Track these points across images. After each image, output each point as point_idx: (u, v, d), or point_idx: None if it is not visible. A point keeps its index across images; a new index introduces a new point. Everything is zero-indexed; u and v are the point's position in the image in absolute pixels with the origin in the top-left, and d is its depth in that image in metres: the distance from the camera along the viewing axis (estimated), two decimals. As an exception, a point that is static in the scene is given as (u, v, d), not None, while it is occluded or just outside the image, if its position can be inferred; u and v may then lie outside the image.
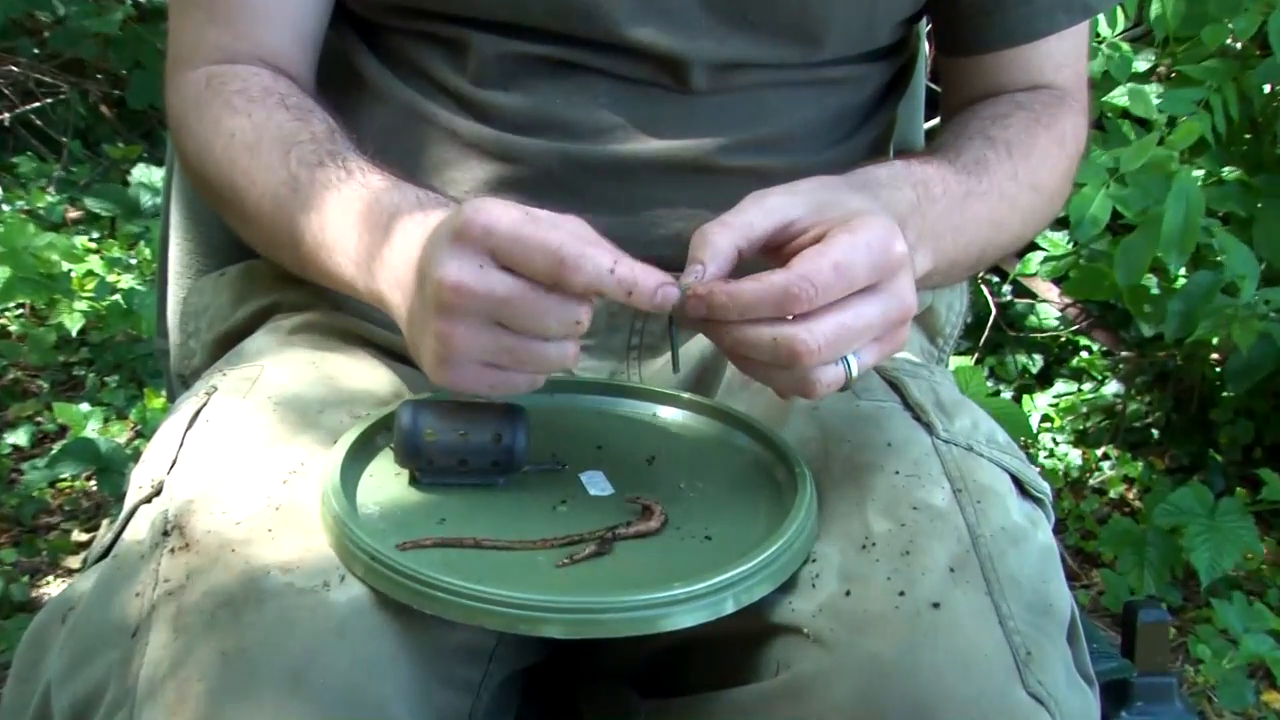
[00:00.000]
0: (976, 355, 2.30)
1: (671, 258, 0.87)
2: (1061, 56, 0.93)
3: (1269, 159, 1.76)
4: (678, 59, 0.85)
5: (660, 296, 0.65)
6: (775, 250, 0.70)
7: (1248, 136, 1.79)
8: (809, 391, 0.68)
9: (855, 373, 0.69)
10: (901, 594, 0.67)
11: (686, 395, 0.83)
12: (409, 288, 0.69)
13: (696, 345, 0.89)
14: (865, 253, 0.67)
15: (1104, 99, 1.74)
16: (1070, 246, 2.03)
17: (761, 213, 0.70)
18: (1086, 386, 2.34)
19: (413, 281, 0.68)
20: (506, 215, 0.64)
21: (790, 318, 0.66)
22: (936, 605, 0.66)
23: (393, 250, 0.71)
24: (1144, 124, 1.71)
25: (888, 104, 0.97)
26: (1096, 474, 2.19)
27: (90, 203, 2.38)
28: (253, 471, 0.72)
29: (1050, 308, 2.38)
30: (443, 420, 0.71)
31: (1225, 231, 1.66)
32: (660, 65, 0.85)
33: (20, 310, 2.13)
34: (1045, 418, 2.29)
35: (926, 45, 1.11)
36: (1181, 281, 1.75)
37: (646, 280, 0.64)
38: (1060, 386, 2.35)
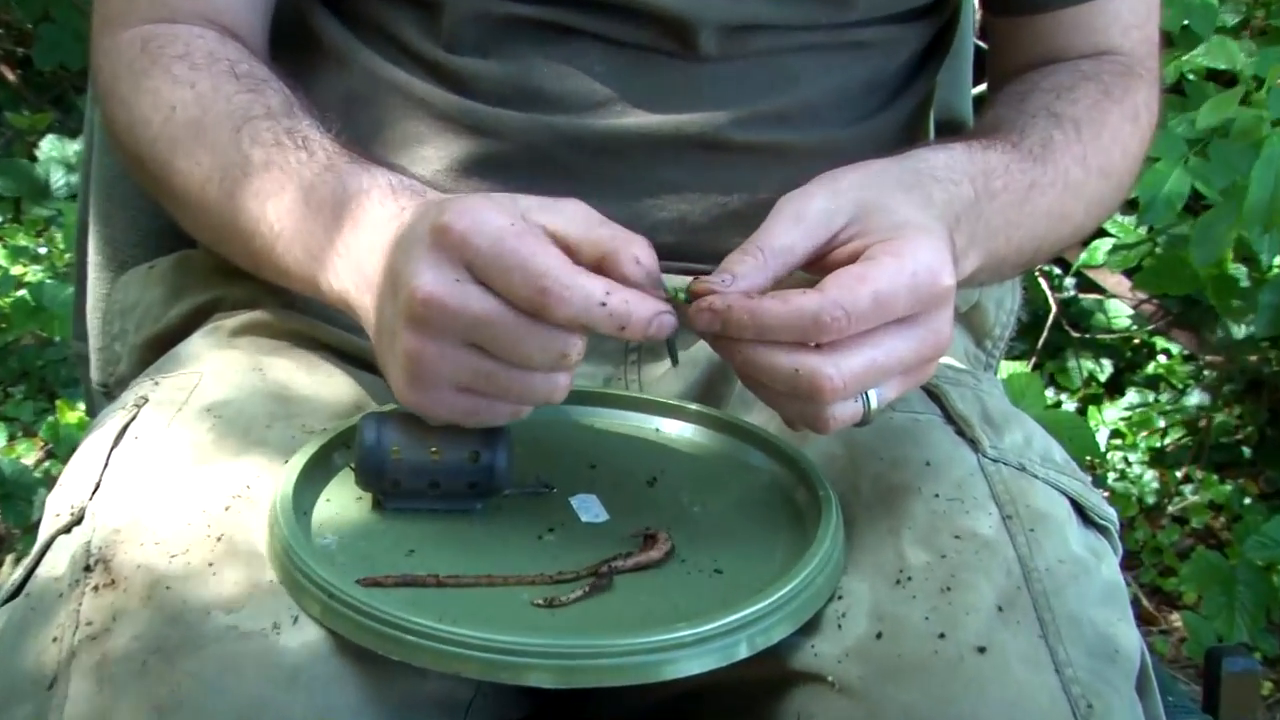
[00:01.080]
0: (1033, 360, 2.34)
1: (674, 244, 0.89)
2: (1130, 16, 0.94)
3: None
4: (684, 20, 0.86)
5: (655, 328, 0.66)
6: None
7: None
8: (821, 426, 0.70)
9: (875, 407, 0.71)
10: (941, 636, 0.68)
11: (693, 406, 0.85)
12: (379, 289, 0.70)
13: (704, 349, 0.90)
14: (909, 282, 0.68)
15: (1184, 58, 1.76)
16: (1144, 232, 2.05)
17: (802, 233, 0.71)
18: (1164, 396, 2.39)
19: (383, 283, 0.69)
20: (490, 224, 0.66)
21: (814, 344, 0.68)
22: (982, 650, 0.68)
23: (361, 245, 0.72)
24: (1232, 84, 1.72)
25: (927, 70, 0.99)
26: (1176, 499, 2.24)
27: (-10, 180, 2.48)
28: (190, 496, 0.74)
29: (1121, 304, 2.42)
30: (411, 436, 0.72)
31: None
32: (663, 28, 0.87)
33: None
34: (1115, 433, 2.34)
35: (976, 1, 1.13)
36: (1276, 270, 1.77)
37: (640, 311, 0.66)
38: (1133, 396, 2.40)
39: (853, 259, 0.70)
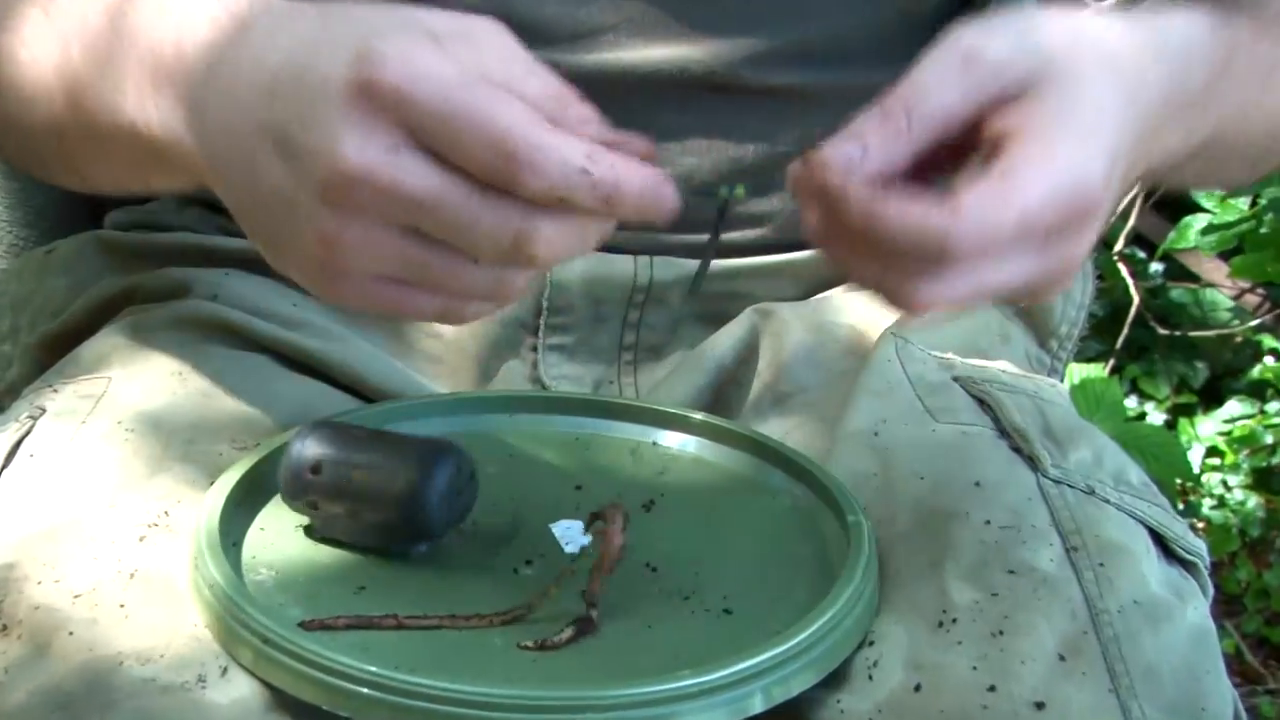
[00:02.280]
0: (1112, 363, 2.38)
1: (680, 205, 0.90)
2: None
3: None
4: None
5: (652, 200, 0.65)
6: None
7: None
8: (910, 303, 0.70)
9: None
10: (992, 689, 0.71)
11: (699, 416, 0.87)
12: (261, 144, 0.68)
13: (714, 342, 0.94)
14: (1064, 199, 0.68)
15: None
16: (1246, 207, 2.10)
17: (967, 91, 0.69)
18: (1272, 407, 2.43)
19: (258, 136, 0.67)
20: (431, 74, 0.64)
21: None
22: (1040, 705, 0.70)
23: (234, 68, 0.69)
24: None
25: (976, 5, 1.01)
26: None
27: None
28: (98, 524, 0.76)
29: (1219, 295, 2.47)
30: (338, 450, 0.75)
31: None
32: None
33: None
34: (1212, 450, 2.39)
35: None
36: None
37: (631, 179, 0.65)
38: (1234, 406, 2.45)
39: (996, 143, 0.69)
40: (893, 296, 0.69)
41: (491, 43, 0.67)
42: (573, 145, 0.64)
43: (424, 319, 0.71)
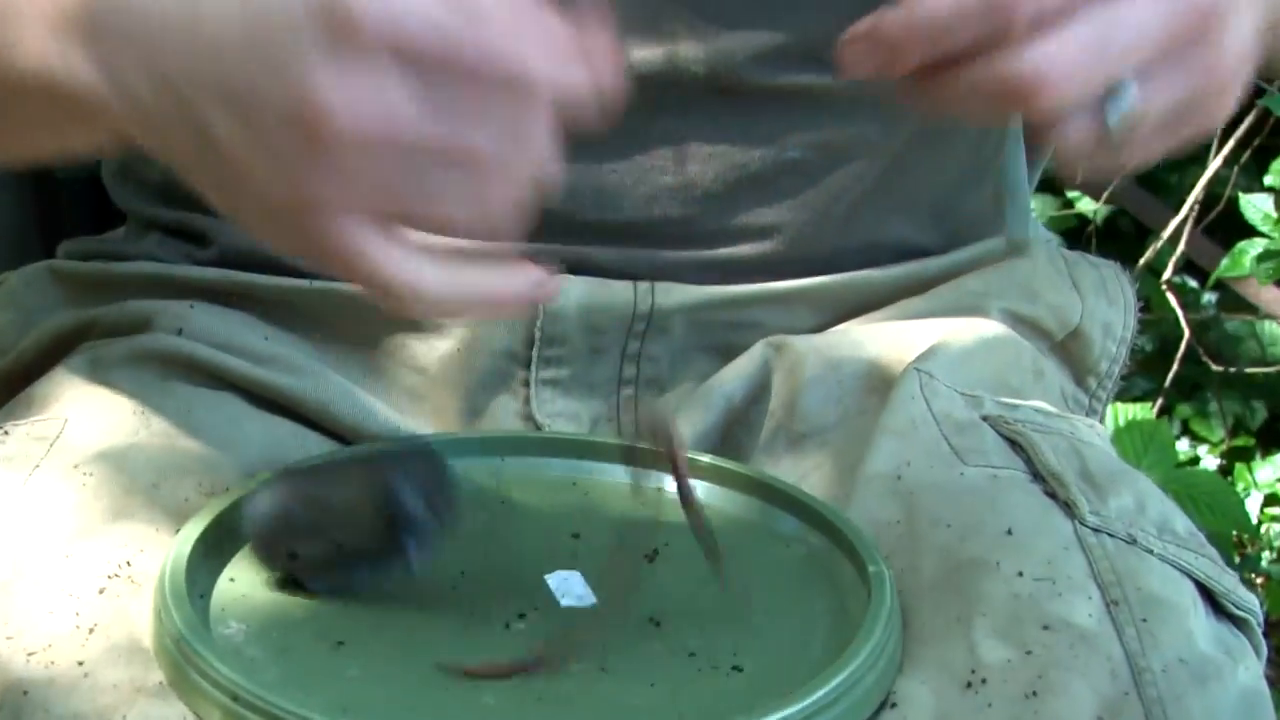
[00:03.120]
0: (1160, 402, 2.41)
1: (679, 219, 0.95)
2: None
3: None
4: None
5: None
6: None
7: None
8: (1032, 82, 0.69)
9: (1126, 110, 0.71)
10: None
11: (707, 458, 0.89)
12: (211, 99, 0.67)
13: (721, 377, 0.96)
14: None
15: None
16: None
17: None
18: None
19: (220, 88, 0.66)
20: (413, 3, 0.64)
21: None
22: (1079, 771, 0.73)
23: (160, 15, 0.68)
24: None
25: None
26: None
27: None
28: (54, 577, 0.78)
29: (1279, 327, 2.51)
30: (311, 487, 0.77)
31: None
32: None
33: None
34: (1271, 498, 2.44)
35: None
36: None
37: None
38: None
39: None
40: (1012, 87, 0.69)
41: None
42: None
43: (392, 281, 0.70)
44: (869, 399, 0.98)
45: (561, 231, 0.99)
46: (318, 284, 1.01)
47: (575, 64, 0.66)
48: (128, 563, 0.79)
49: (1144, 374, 2.37)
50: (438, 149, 0.65)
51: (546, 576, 0.81)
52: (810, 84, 0.96)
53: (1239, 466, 2.43)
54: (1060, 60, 0.69)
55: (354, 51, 0.64)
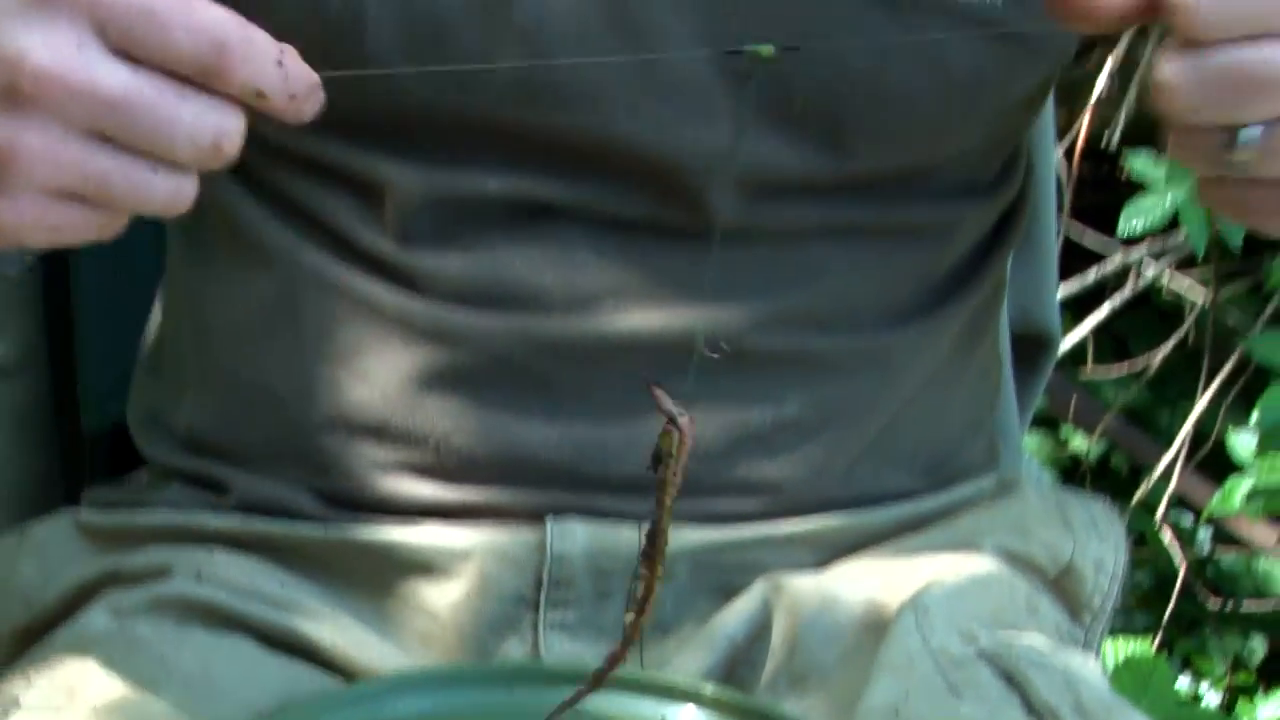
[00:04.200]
0: (1158, 637, 2.41)
1: (684, 481, 0.95)
2: None
3: None
4: (691, 174, 0.94)
5: (313, 103, 0.69)
6: None
7: None
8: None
9: (1250, 145, 0.72)
10: None
11: (710, 689, 0.91)
12: None
13: (723, 618, 0.98)
14: None
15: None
16: None
17: None
18: None
19: None
20: None
21: None
22: None
23: None
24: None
25: (990, 265, 1.08)
26: None
27: None
28: None
29: (1277, 562, 2.53)
30: None
31: None
32: (666, 189, 0.95)
33: None
34: None
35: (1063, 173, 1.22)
36: None
37: (305, 79, 0.69)
38: None
39: None
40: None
41: None
42: (269, 39, 0.69)
43: (85, 241, 0.71)
44: (867, 636, 0.98)
45: (566, 484, 1.02)
46: (332, 533, 1.03)
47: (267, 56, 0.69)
48: None
49: (1143, 609, 2.38)
50: (133, 115, 0.67)
51: None
52: (810, 349, 0.98)
53: (1242, 702, 2.43)
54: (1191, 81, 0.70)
55: (63, 11, 0.67)
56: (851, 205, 1.01)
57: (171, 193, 0.71)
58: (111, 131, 0.69)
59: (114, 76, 0.68)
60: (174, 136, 0.69)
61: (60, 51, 0.68)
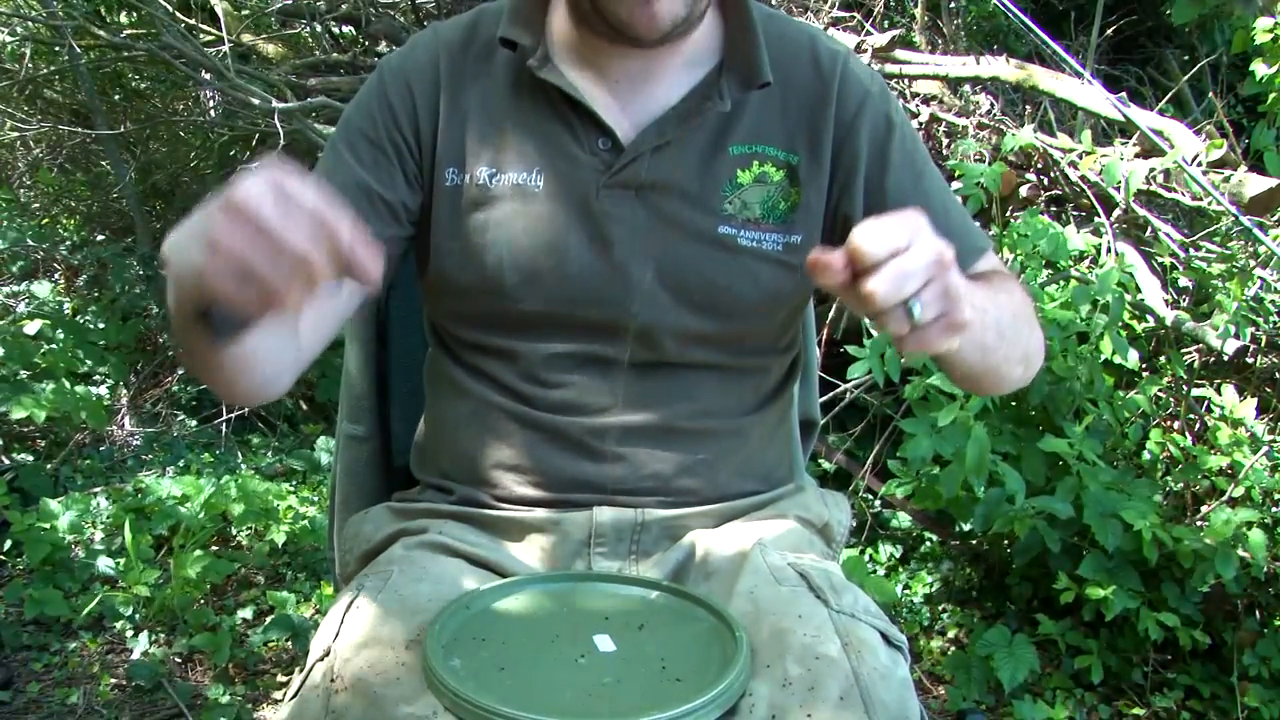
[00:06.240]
0: (860, 548, 3.52)
1: (649, 489, 1.46)
2: None
3: (1026, 418, 3.25)
4: (654, 332, 1.36)
5: (354, 248, 0.95)
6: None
7: (1013, 404, 3.27)
8: (891, 324, 0.98)
9: (918, 313, 1.00)
10: (809, 717, 1.16)
11: (665, 583, 1.38)
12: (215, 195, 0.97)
13: (672, 551, 1.45)
14: (896, 222, 0.99)
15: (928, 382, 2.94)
16: (914, 475, 3.42)
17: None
18: (930, 564, 3.66)
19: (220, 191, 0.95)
20: (291, 179, 0.95)
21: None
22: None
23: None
24: (953, 397, 2.96)
25: (788, 385, 1.60)
26: (939, 622, 3.60)
27: (291, 462, 4.41)
28: (385, 641, 1.25)
29: (905, 514, 3.68)
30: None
31: (1004, 464, 3.12)
32: (644, 341, 1.38)
33: (249, 530, 3.92)
34: (905, 586, 3.51)
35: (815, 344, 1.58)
36: (982, 494, 3.05)
37: (353, 238, 0.96)
38: (913, 565, 3.63)
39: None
40: (862, 296, 0.99)
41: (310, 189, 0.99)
42: (344, 222, 0.97)
43: (246, 298, 0.97)
44: (738, 559, 1.46)
45: (599, 491, 1.54)
46: (498, 514, 1.55)
47: (325, 245, 0.95)
48: (414, 638, 1.25)
49: (854, 537, 3.38)
50: (265, 233, 0.96)
51: (593, 635, 1.30)
52: (705, 426, 1.43)
53: (892, 573, 3.71)
54: (880, 287, 0.99)
55: (264, 184, 0.98)
56: (718, 352, 1.46)
57: (283, 284, 0.98)
58: (258, 243, 0.97)
59: (269, 212, 0.97)
60: (287, 257, 0.97)
61: (253, 194, 0.97)
